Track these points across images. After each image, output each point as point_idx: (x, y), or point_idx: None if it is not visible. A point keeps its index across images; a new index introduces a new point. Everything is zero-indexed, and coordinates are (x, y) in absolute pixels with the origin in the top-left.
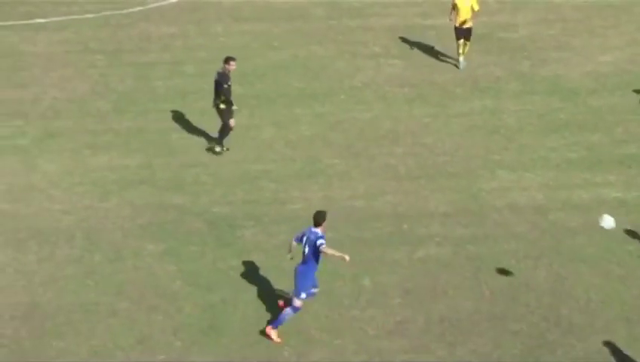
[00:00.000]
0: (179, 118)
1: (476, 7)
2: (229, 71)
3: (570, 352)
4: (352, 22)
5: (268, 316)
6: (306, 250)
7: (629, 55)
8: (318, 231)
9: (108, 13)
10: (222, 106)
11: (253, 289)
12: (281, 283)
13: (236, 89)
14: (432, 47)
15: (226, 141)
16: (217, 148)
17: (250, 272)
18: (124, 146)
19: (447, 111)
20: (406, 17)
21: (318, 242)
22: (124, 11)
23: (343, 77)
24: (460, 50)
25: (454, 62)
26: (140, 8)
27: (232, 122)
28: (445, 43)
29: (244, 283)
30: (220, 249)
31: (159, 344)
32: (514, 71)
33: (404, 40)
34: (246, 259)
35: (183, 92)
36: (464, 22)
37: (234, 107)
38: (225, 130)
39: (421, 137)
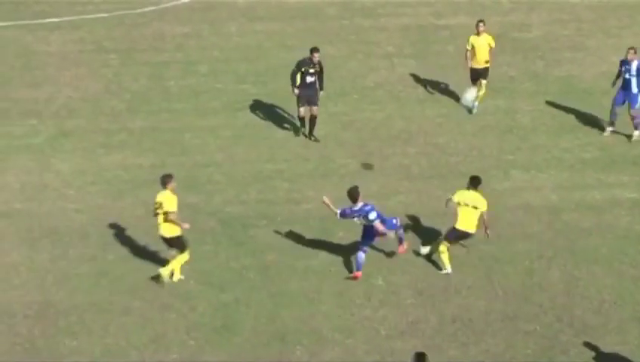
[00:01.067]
0: (192, 117)
1: (493, 44)
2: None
3: (584, 353)
4: (364, 21)
5: (281, 315)
6: (365, 222)
7: None
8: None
9: (122, 12)
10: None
11: (266, 289)
12: (294, 282)
13: (249, 88)
14: (445, 47)
15: (240, 141)
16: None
17: (263, 272)
18: (138, 145)
19: (460, 111)
20: (419, 17)
21: (371, 216)
22: (138, 11)
23: (356, 77)
24: (475, 94)
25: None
26: (154, 8)
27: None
28: (458, 43)
29: (257, 282)
30: (233, 248)
31: (172, 343)
32: (528, 71)
33: (417, 40)
34: (259, 258)
35: (196, 91)
36: (481, 62)
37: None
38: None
39: (434, 137)
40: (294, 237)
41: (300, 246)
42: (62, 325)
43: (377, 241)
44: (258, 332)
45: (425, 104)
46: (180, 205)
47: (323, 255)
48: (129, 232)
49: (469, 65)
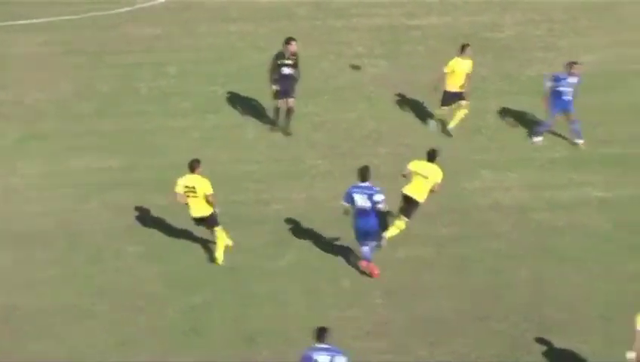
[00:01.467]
0: (162, 119)
1: (471, 70)
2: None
3: (550, 352)
4: (336, 22)
5: (250, 317)
6: (367, 204)
7: (614, 55)
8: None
9: (94, 14)
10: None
11: (235, 291)
12: (263, 284)
13: (220, 89)
14: (417, 48)
15: (210, 143)
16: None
17: (233, 273)
18: (107, 148)
19: (429, 111)
20: (391, 17)
21: (377, 197)
22: (110, 12)
23: (327, 77)
24: (443, 117)
25: (438, 62)
26: (128, 9)
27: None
28: (429, 43)
29: (226, 284)
30: (202, 250)
31: (140, 346)
32: (499, 71)
33: (388, 40)
34: (228, 259)
35: (166, 93)
36: (457, 86)
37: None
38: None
39: (404, 137)
40: (263, 238)
41: (268, 247)
42: (27, 329)
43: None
44: (226, 334)
45: (396, 104)
46: (149, 207)
47: (291, 256)
48: (96, 235)
49: (443, 88)
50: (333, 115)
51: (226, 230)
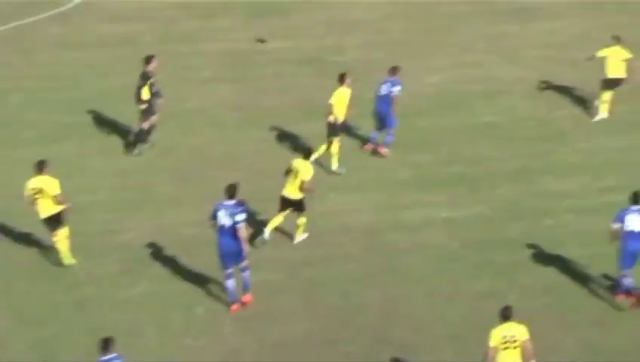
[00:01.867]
0: (4, 149)
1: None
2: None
3: None
4: (182, 47)
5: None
6: (228, 222)
7: (454, 76)
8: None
9: None
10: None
11: (85, 323)
12: (113, 315)
13: (63, 118)
14: (263, 72)
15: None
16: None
17: (83, 305)
18: None
19: (279, 134)
20: (236, 42)
21: (239, 217)
22: None
23: (174, 102)
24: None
25: (286, 85)
26: None
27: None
28: (276, 67)
29: (76, 316)
30: (49, 283)
31: None
32: None
33: (235, 64)
34: (77, 291)
35: (8, 122)
36: (343, 115)
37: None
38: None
39: (254, 162)
40: (113, 268)
41: (119, 277)
42: None
43: (195, 270)
44: None
45: (244, 128)
46: None
47: (143, 285)
48: None
49: (328, 120)
50: (180, 140)
51: (75, 257)
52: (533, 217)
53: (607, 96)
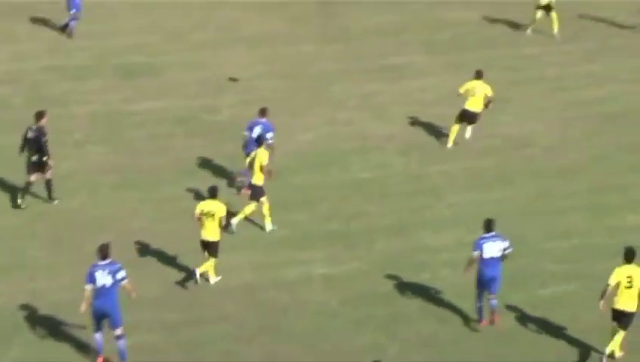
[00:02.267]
0: None
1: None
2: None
3: None
4: (53, 110)
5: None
6: (108, 281)
7: (328, 133)
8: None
9: None
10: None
11: None
12: None
13: None
14: (136, 132)
15: None
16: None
17: None
18: None
19: (156, 195)
20: (108, 103)
21: (120, 274)
22: None
23: None
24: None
25: (160, 145)
26: None
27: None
28: (150, 128)
29: None
30: None
31: None
32: (219, 153)
33: (106, 126)
34: None
35: None
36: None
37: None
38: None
39: (130, 223)
40: None
41: None
42: None
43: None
44: None
45: (118, 190)
46: None
47: (16, 352)
48: None
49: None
50: (53, 205)
51: None
52: (410, 271)
53: (457, 128)
